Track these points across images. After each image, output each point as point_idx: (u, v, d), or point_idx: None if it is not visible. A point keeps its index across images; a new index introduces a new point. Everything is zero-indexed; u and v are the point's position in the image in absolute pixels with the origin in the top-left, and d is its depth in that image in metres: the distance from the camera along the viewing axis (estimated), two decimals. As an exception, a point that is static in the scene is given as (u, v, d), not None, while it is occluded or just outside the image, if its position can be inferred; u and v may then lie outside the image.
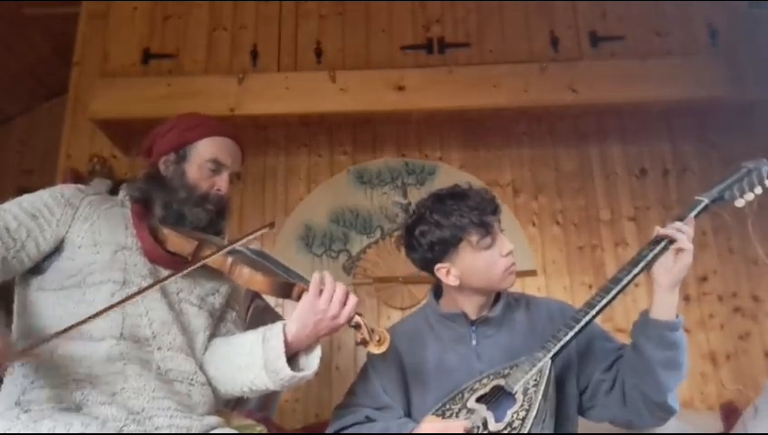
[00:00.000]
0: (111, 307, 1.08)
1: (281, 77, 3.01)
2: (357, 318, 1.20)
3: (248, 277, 1.20)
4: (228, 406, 2.22)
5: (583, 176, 3.14)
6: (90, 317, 1.05)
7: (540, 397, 1.18)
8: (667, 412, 1.28)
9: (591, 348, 1.38)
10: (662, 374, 1.23)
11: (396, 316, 2.88)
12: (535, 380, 1.22)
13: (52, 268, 1.22)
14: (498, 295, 1.44)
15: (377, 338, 1.18)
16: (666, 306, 1.24)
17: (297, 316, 1.20)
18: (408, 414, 1.37)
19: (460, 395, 1.29)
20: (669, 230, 1.25)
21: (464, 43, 3.13)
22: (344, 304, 1.18)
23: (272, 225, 1.38)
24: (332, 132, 3.25)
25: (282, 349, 1.19)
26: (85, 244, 1.22)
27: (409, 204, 3.11)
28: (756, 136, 3.02)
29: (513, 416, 1.18)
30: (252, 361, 1.22)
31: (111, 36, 3.16)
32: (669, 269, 1.24)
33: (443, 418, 1.26)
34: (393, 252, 3.02)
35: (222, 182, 1.36)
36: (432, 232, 1.36)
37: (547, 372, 1.22)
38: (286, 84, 2.96)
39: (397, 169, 3.19)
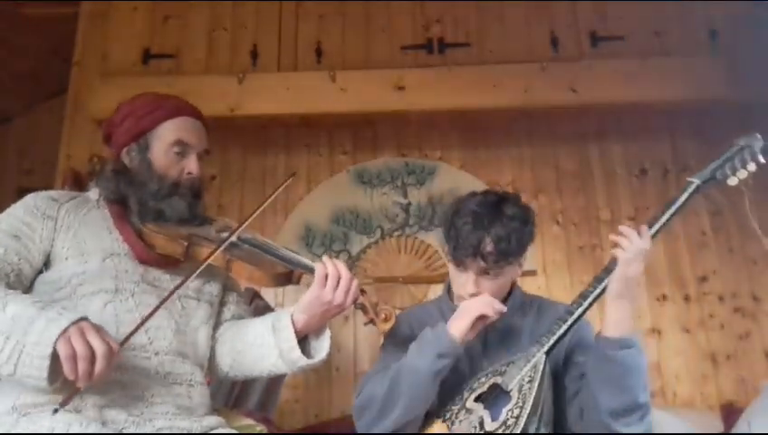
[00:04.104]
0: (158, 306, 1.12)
1: (281, 77, 3.01)
2: (361, 299, 1.23)
3: (248, 274, 1.21)
4: (228, 406, 2.22)
5: (583, 176, 3.14)
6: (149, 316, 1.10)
7: (534, 393, 1.18)
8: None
9: (570, 356, 1.35)
10: (600, 394, 1.19)
11: (396, 316, 2.88)
12: (530, 376, 1.22)
13: (40, 281, 1.19)
14: (510, 292, 1.43)
15: (383, 316, 1.23)
16: (613, 321, 1.21)
17: (304, 307, 1.22)
18: None
19: (460, 395, 1.29)
20: (615, 238, 1.23)
21: (464, 43, 3.13)
22: (349, 290, 1.19)
23: (293, 175, 1.40)
24: (332, 132, 3.25)
25: (294, 341, 1.22)
26: (71, 255, 1.18)
27: (409, 204, 3.11)
28: (756, 136, 3.02)
29: (507, 414, 1.19)
30: (267, 351, 1.26)
31: (111, 36, 3.16)
32: (613, 279, 1.21)
33: (443, 420, 1.26)
34: (393, 252, 3.02)
35: (191, 164, 1.31)
36: (445, 233, 1.38)
37: (542, 367, 1.22)
38: (286, 84, 2.96)
39: (397, 169, 3.18)
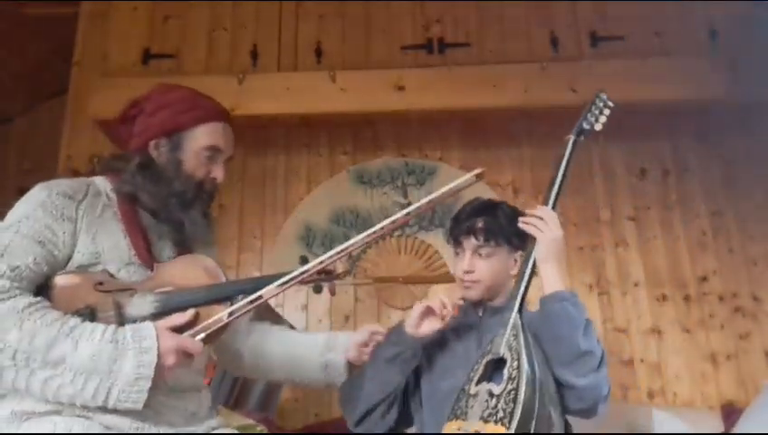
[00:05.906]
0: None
1: (281, 77, 3.01)
2: None
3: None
4: (228, 406, 2.22)
5: (583, 176, 3.14)
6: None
7: (523, 345, 1.26)
8: (570, 387, 1.31)
9: None
10: (548, 349, 1.33)
11: (396, 316, 2.88)
12: (514, 334, 1.30)
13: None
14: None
15: None
16: (546, 282, 1.38)
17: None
18: (416, 381, 1.50)
19: (462, 391, 1.32)
20: (524, 220, 1.42)
21: (464, 43, 3.13)
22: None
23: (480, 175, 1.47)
24: (332, 132, 3.25)
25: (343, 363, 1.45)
26: (87, 262, 1.14)
27: (409, 204, 3.10)
28: (756, 136, 3.02)
29: (509, 371, 1.24)
30: (310, 365, 1.45)
31: (111, 36, 3.16)
32: (538, 245, 1.38)
33: (456, 418, 1.29)
34: (393, 252, 3.02)
35: (219, 171, 1.29)
36: (450, 228, 1.61)
37: (519, 324, 1.31)
38: (286, 84, 2.96)
39: (397, 169, 3.18)
